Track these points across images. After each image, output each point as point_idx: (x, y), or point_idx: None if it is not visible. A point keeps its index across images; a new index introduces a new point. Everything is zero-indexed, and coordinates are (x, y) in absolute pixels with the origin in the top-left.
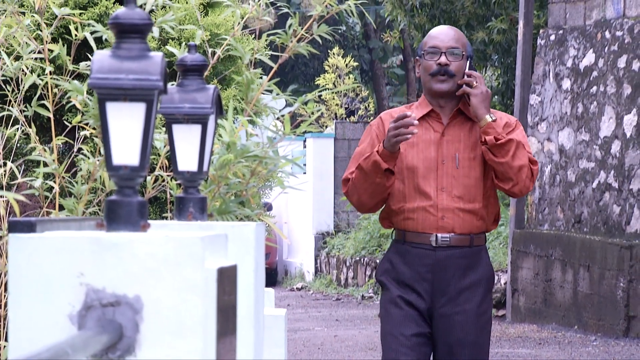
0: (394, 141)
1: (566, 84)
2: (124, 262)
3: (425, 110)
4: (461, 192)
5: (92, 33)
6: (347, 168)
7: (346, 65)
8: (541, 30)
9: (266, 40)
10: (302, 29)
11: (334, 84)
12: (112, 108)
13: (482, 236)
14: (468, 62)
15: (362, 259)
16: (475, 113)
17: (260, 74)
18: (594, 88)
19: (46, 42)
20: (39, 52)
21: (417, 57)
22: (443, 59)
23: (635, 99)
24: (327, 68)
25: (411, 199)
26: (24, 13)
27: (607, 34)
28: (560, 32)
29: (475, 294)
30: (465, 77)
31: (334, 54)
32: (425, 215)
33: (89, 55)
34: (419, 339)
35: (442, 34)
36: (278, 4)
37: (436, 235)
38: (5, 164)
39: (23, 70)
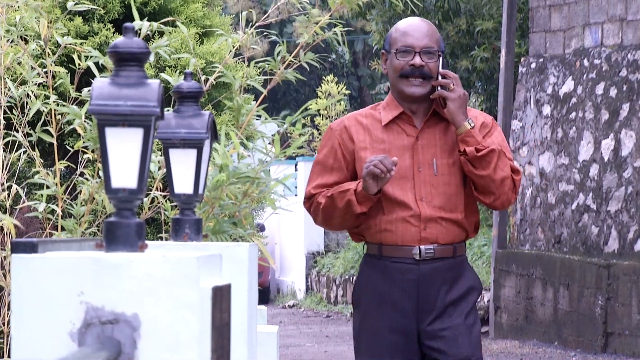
0: (365, 172)
1: (546, 110)
2: (122, 281)
3: (395, 112)
4: (442, 201)
5: (94, 62)
6: (309, 181)
7: (338, 92)
8: (522, 59)
9: (257, 67)
10: (290, 56)
11: (325, 109)
12: (111, 133)
13: (463, 245)
14: (441, 59)
15: (351, 278)
16: (453, 119)
17: (253, 100)
18: (573, 114)
19: (50, 70)
20: (44, 79)
21: (384, 51)
22: (418, 60)
23: (613, 124)
24: (319, 94)
25: (389, 210)
26: (27, 41)
27: (586, 62)
28: (541, 60)
29: (462, 307)
30: (440, 77)
31: (327, 81)
32: (405, 227)
33: (91, 81)
34: None
35: (416, 30)
36: (265, 33)
37: (419, 247)
38: (9, 187)
39: (28, 95)
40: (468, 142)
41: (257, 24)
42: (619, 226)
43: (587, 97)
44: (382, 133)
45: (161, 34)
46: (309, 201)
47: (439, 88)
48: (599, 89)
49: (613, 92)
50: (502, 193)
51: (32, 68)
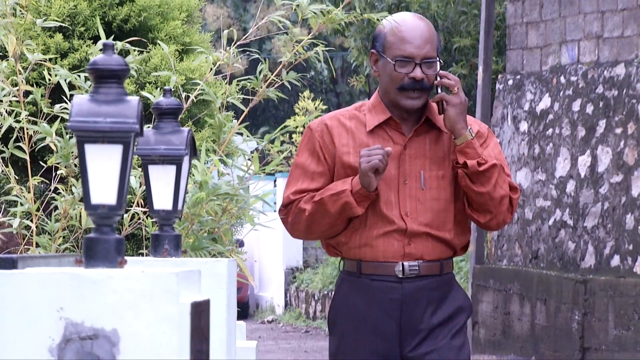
0: (367, 167)
1: (523, 126)
2: (102, 297)
3: (382, 117)
4: (429, 218)
5: (66, 80)
6: (287, 185)
7: (315, 108)
8: (500, 76)
9: (237, 85)
10: (272, 74)
11: (303, 126)
12: (90, 150)
13: (450, 262)
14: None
15: (329, 293)
16: (453, 127)
17: (233, 117)
18: (550, 130)
19: (21, 87)
20: (16, 96)
21: (374, 51)
22: (419, 73)
23: (589, 140)
24: (297, 111)
25: (373, 225)
26: (4, 57)
27: (562, 79)
28: (518, 77)
29: (450, 328)
30: (439, 78)
31: (304, 97)
32: (387, 241)
33: (64, 97)
34: None
35: (416, 37)
36: (247, 51)
37: (402, 263)
38: None
39: (2, 113)
40: (468, 153)
41: (237, 43)
42: (596, 242)
43: (563, 114)
44: (367, 138)
45: (141, 52)
46: (287, 208)
47: (439, 90)
48: (576, 106)
49: (589, 108)
50: (499, 213)
51: (2, 87)
